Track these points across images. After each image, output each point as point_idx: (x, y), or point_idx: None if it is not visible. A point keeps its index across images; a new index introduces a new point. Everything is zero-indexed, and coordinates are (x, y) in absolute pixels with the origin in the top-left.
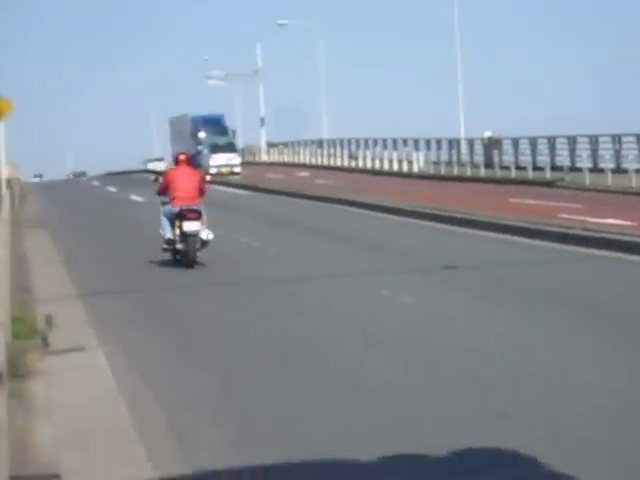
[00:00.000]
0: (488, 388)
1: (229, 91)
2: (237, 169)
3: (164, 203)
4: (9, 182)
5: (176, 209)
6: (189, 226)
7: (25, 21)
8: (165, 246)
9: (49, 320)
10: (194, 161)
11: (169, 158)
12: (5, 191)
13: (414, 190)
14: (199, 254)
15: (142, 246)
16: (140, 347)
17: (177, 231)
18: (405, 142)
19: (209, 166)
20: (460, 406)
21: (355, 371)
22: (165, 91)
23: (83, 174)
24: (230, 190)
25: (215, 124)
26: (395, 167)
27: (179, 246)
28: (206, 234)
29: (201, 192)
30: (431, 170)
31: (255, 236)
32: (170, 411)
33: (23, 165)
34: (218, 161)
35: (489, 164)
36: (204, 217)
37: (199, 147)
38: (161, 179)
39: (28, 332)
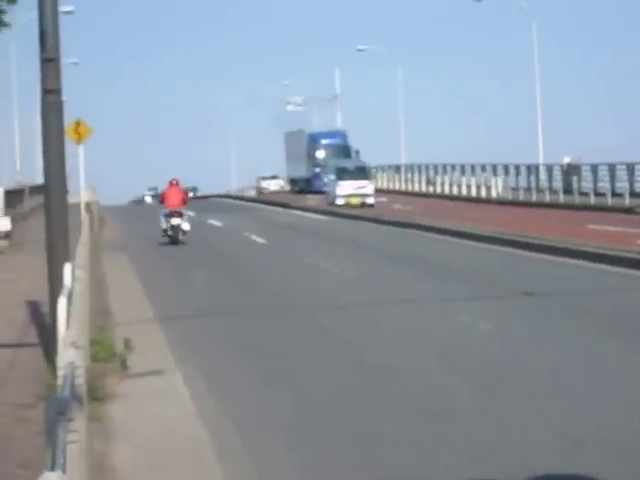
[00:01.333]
0: (565, 414)
1: (307, 116)
2: (370, 200)
3: (163, 208)
4: (88, 206)
5: (167, 211)
6: (174, 221)
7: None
8: (162, 234)
9: (128, 343)
10: (310, 184)
11: (283, 174)
12: (84, 214)
13: (492, 216)
14: (181, 237)
15: (220, 269)
16: (218, 370)
17: (168, 224)
18: (483, 168)
19: (336, 196)
20: (536, 431)
21: (432, 396)
22: (244, 115)
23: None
24: (307, 215)
25: (335, 143)
26: (473, 193)
27: (170, 233)
28: (185, 226)
29: (184, 202)
30: (509, 196)
31: (333, 261)
32: (247, 435)
33: (102, 188)
34: (346, 190)
35: (568, 190)
36: (185, 216)
37: (316, 170)
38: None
39: (107, 355)
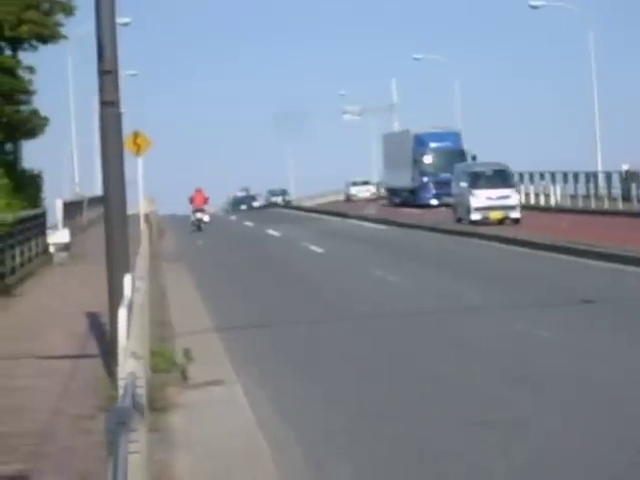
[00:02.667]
0: (626, 422)
1: (364, 125)
2: (515, 214)
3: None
4: (147, 217)
5: (194, 208)
6: (198, 215)
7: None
8: (191, 225)
9: (188, 354)
10: (416, 196)
11: (376, 179)
12: (143, 225)
13: (551, 223)
14: (202, 226)
15: (278, 279)
16: (278, 381)
17: (195, 218)
18: (542, 176)
19: (470, 209)
20: (597, 440)
21: (491, 405)
22: (301, 124)
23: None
24: (365, 224)
25: (447, 146)
26: (532, 200)
27: (195, 223)
28: (206, 218)
29: (205, 201)
30: (568, 203)
31: (390, 270)
32: (307, 445)
33: (162, 199)
34: (483, 201)
35: (626, 197)
36: (205, 212)
37: (424, 179)
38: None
39: (167, 366)
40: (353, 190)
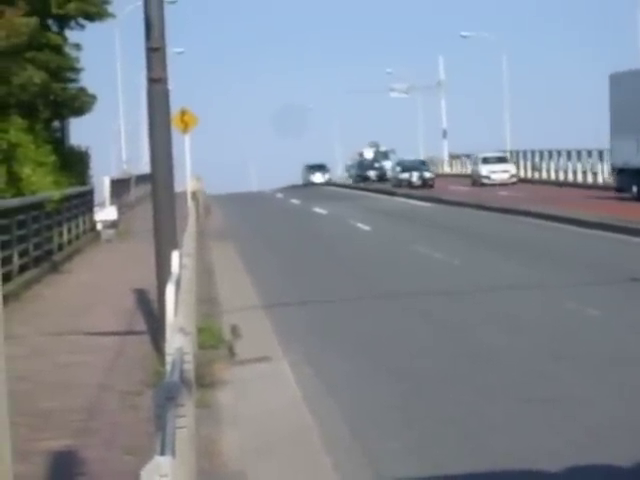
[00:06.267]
0: None
1: (411, 103)
2: None
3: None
4: (194, 194)
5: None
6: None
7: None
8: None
9: (235, 330)
10: None
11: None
12: (191, 203)
13: (598, 202)
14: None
15: (324, 257)
16: (324, 357)
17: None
18: (589, 153)
19: None
20: None
21: (539, 382)
22: (349, 103)
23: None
24: (412, 202)
25: None
26: (579, 178)
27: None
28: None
29: None
30: None
31: (436, 247)
32: (354, 422)
33: (208, 178)
34: None
35: None
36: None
37: None
38: None
39: (214, 342)
40: (485, 170)
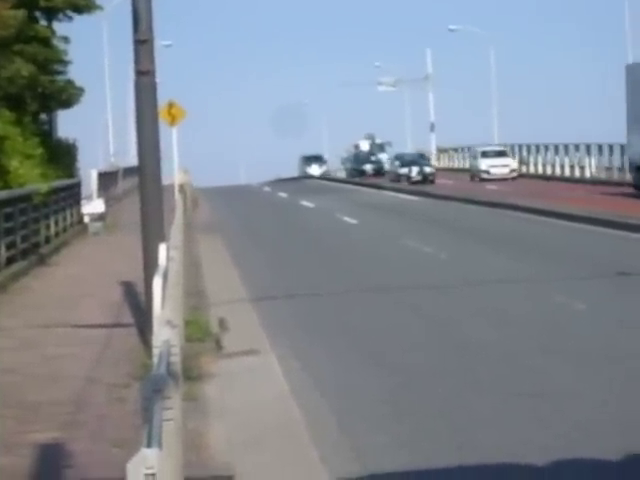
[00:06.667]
0: None
1: (399, 97)
2: None
3: None
4: (182, 187)
5: None
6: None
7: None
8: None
9: (222, 323)
10: None
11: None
12: (178, 196)
13: (586, 196)
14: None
15: (311, 250)
16: (311, 351)
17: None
18: (577, 148)
19: None
20: (634, 412)
21: (527, 376)
22: (338, 97)
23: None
24: (401, 196)
25: None
26: (567, 173)
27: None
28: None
29: None
30: (603, 176)
31: (425, 241)
32: (341, 414)
33: (195, 171)
34: None
35: None
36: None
37: None
38: None
39: (201, 335)
40: (484, 164)
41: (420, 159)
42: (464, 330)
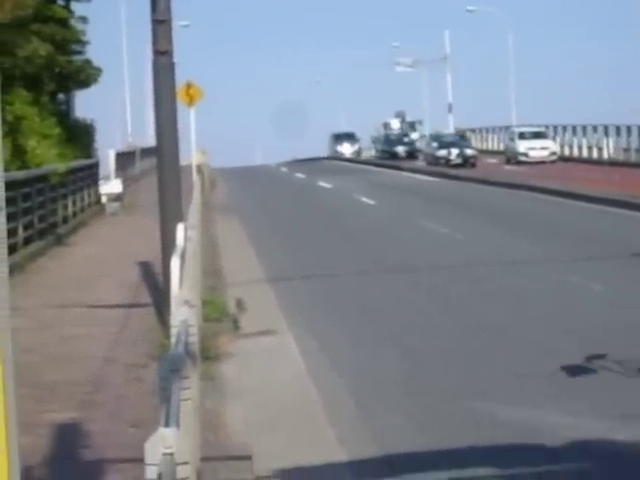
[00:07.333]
0: None
1: (416, 77)
2: None
3: None
4: (199, 168)
5: None
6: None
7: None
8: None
9: (240, 303)
10: None
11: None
12: (196, 177)
13: (603, 177)
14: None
15: (329, 231)
16: (329, 331)
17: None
18: (595, 129)
19: None
20: None
21: (542, 357)
22: (354, 77)
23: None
24: (417, 177)
25: None
26: (585, 154)
27: None
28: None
29: None
30: (621, 157)
31: (442, 222)
32: (359, 395)
33: (212, 151)
34: None
35: None
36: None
37: None
38: None
39: (219, 315)
40: (522, 146)
41: (460, 140)
42: (480, 310)
